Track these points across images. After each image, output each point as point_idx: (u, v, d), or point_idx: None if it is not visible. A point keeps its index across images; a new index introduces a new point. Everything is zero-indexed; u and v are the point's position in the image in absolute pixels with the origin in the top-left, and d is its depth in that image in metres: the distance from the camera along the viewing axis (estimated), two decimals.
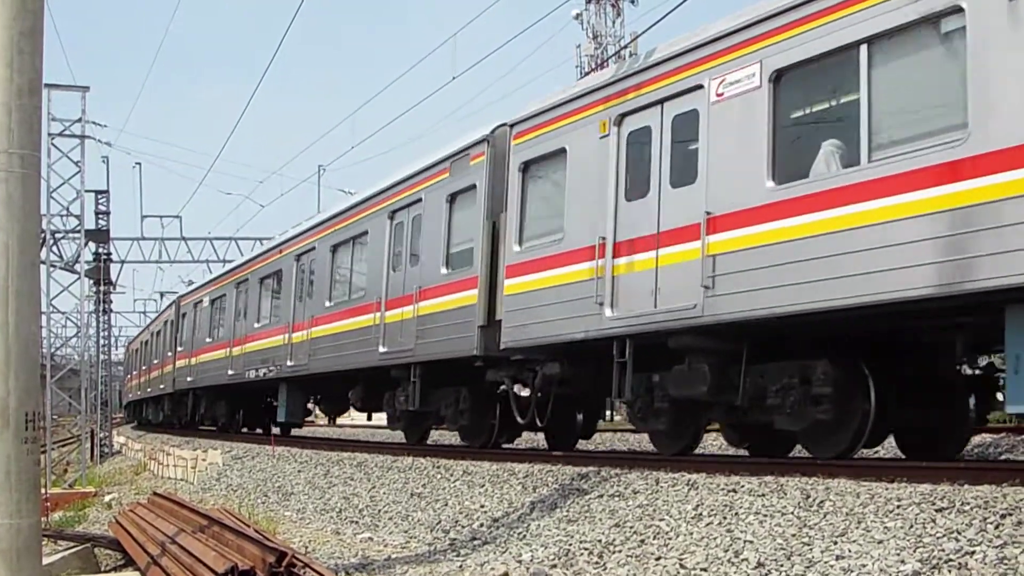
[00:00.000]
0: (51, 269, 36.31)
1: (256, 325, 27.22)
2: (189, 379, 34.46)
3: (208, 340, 32.49)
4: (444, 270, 16.77)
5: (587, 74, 45.81)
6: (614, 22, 56.32)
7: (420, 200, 17.86)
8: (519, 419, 15.84)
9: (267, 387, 27.97)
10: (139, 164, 68.58)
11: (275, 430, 30.55)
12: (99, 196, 44.00)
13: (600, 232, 13.13)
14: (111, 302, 50.91)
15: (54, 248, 37.51)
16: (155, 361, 44.51)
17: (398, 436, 28.99)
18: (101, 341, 49.73)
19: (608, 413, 26.62)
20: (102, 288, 48.11)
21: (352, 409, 24.29)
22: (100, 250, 45.89)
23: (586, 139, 13.72)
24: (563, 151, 14.11)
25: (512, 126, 15.35)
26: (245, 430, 32.71)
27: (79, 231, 36.92)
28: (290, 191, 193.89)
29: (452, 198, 16.88)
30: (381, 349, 18.54)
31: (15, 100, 8.14)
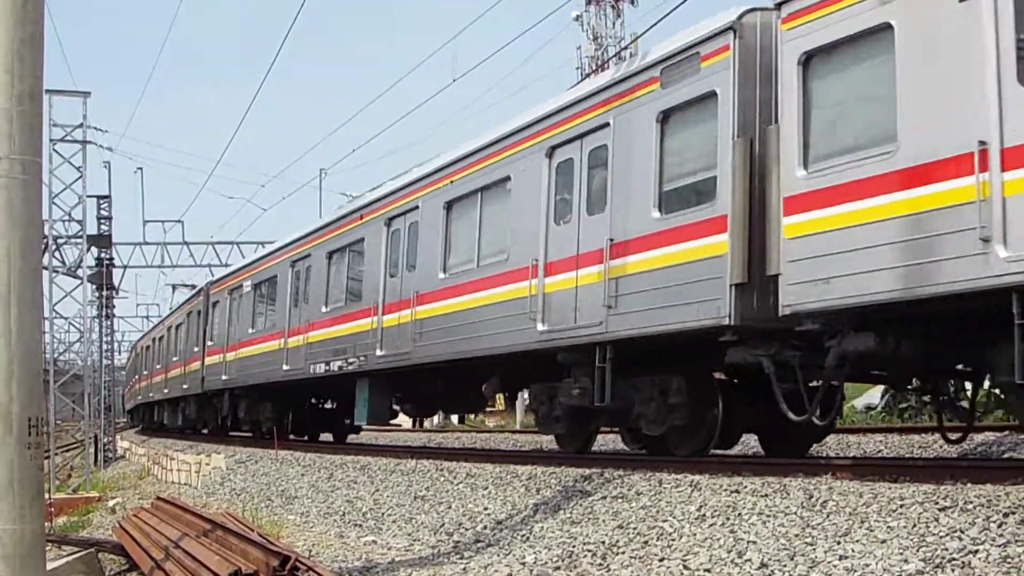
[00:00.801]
0: (53, 274, 36.34)
1: (324, 310, 22.38)
2: (224, 378, 29.66)
3: (251, 331, 27.75)
4: (656, 214, 12.58)
5: (587, 76, 45.78)
6: (614, 23, 56.45)
7: (606, 125, 13.59)
8: (792, 415, 11.34)
9: (334, 385, 24.02)
10: (141, 169, 69.14)
11: (341, 436, 28.57)
12: (101, 201, 43.96)
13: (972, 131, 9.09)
14: (113, 307, 50.81)
15: (56, 253, 37.55)
16: (174, 359, 39.83)
17: (403, 438, 28.96)
18: (104, 346, 49.72)
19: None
20: (104, 293, 48.08)
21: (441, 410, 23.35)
22: (102, 255, 45.84)
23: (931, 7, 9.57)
24: (887, 28, 9.90)
25: (780, 5, 11.09)
26: (292, 437, 27.83)
27: (81, 236, 36.93)
28: (292, 195, 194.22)
29: (665, 116, 12.66)
30: (540, 327, 14.37)
31: (16, 106, 8.15)
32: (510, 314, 14.96)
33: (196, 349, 33.96)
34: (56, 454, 36.09)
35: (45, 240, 32.35)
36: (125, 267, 48.87)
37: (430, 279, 17.45)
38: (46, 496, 11.16)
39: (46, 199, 33.32)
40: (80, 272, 37.55)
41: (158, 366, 45.28)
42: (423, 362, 17.64)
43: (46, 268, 33.15)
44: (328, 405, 28.64)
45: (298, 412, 28.09)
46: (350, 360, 20.36)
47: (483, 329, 15.67)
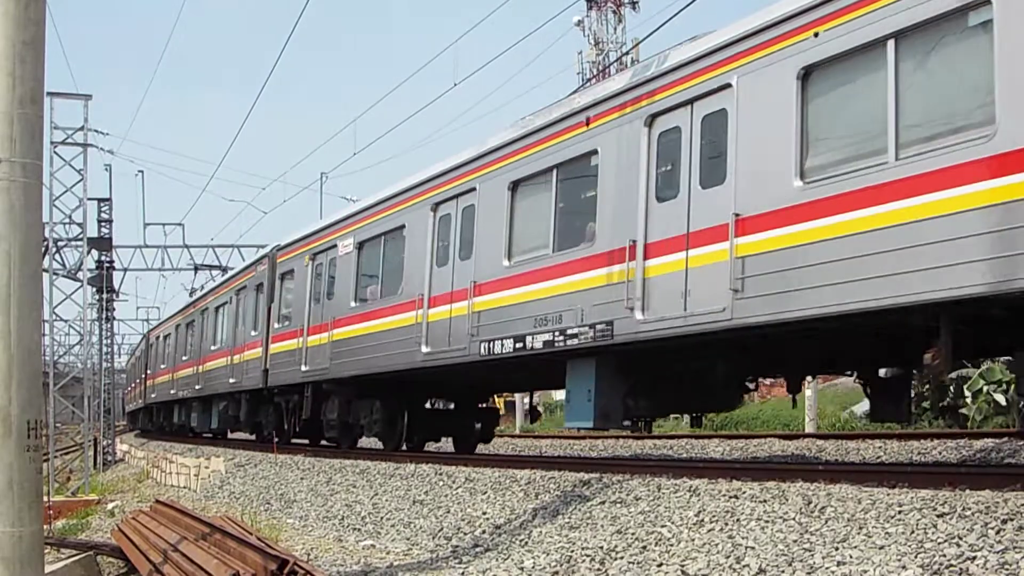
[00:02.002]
0: (54, 277, 36.32)
1: (507, 264, 15.80)
2: (304, 368, 22.64)
3: (355, 305, 20.85)
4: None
5: (588, 81, 45.81)
6: (615, 28, 56.56)
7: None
8: None
9: (489, 373, 17.99)
10: (141, 172, 68.94)
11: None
12: (102, 204, 44.01)
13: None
14: (114, 310, 50.91)
15: (57, 256, 37.52)
16: (212, 348, 32.78)
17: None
18: (104, 349, 49.72)
19: None
20: (105, 296, 48.12)
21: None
22: (103, 258, 45.89)
23: None
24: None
25: None
26: (405, 447, 21.69)
27: (81, 239, 36.91)
28: (292, 198, 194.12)
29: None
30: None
31: (17, 109, 8.17)
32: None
33: (254, 334, 26.77)
34: (55, 457, 36.13)
35: (45, 243, 32.36)
36: (125, 270, 49.00)
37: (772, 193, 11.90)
38: (45, 499, 11.16)
39: (47, 202, 33.32)
40: (80, 275, 37.52)
41: (184, 358, 38.26)
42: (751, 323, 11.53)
43: (46, 271, 33.16)
44: (439, 405, 23.63)
45: (413, 413, 21.66)
46: (569, 331, 14.11)
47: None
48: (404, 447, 21.35)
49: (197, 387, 34.42)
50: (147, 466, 33.98)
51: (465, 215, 17.10)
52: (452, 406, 22.94)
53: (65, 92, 35.19)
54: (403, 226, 18.94)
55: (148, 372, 50.12)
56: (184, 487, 25.10)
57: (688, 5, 14.87)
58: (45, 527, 9.72)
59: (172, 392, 40.35)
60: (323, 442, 24.94)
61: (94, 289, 45.65)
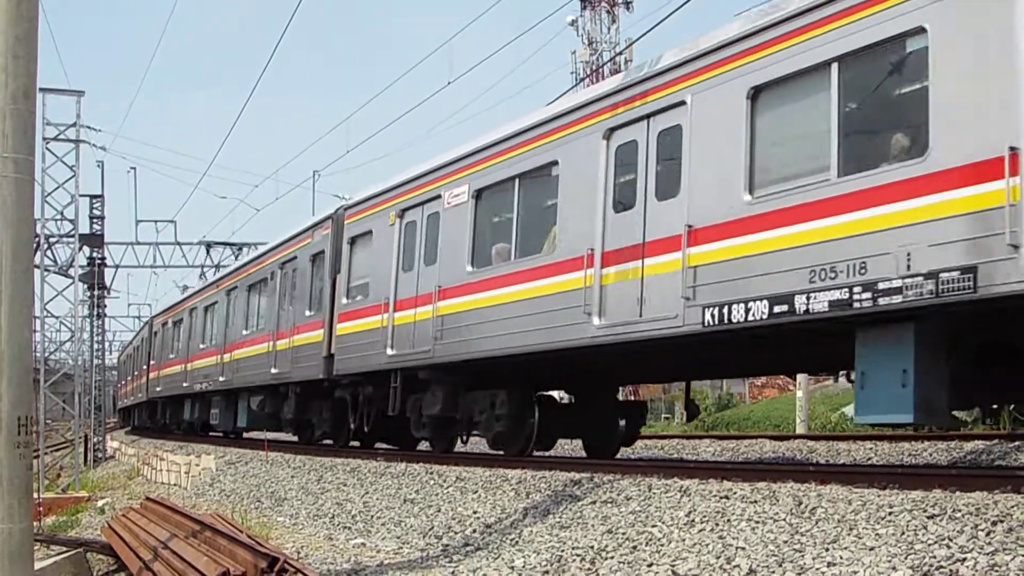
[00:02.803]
0: (45, 273, 36.17)
1: (747, 199, 11.62)
2: (390, 352, 18.31)
3: (471, 271, 16.51)
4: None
5: (582, 80, 45.85)
6: (609, 28, 56.55)
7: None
8: None
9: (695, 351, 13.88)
10: (134, 169, 68.85)
11: None
12: (94, 200, 43.87)
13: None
14: (105, 307, 50.79)
15: (48, 252, 37.42)
16: (245, 333, 28.09)
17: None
18: (95, 346, 49.61)
19: None
20: (96, 293, 48.01)
21: None
22: (94, 255, 45.76)
23: None
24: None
25: None
26: (535, 452, 17.37)
27: (73, 235, 36.81)
28: (285, 195, 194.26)
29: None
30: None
31: (10, 104, 8.15)
32: None
33: (309, 313, 22.63)
34: (46, 453, 36.00)
35: (37, 239, 32.26)
36: (117, 267, 48.81)
37: None
38: (35, 496, 11.14)
39: (38, 198, 33.21)
40: (72, 271, 37.44)
41: (202, 346, 33.59)
42: None
43: (38, 267, 33.05)
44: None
45: (544, 407, 17.17)
46: (882, 285, 9.90)
47: None
48: (531, 450, 16.91)
49: (220, 379, 29.77)
50: (138, 463, 33.95)
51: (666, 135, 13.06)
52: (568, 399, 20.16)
53: (58, 88, 35.07)
54: (554, 162, 14.77)
55: (152, 363, 44.53)
56: (175, 484, 25.08)
57: (682, 5, 14.89)
58: (35, 524, 9.71)
59: (185, 385, 35.44)
60: (379, 444, 22.47)
61: (85, 286, 45.54)
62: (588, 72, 50.80)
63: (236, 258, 44.83)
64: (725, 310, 11.46)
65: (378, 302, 18.88)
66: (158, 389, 41.88)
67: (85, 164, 40.01)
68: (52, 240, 37.30)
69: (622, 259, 13.13)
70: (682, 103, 12.47)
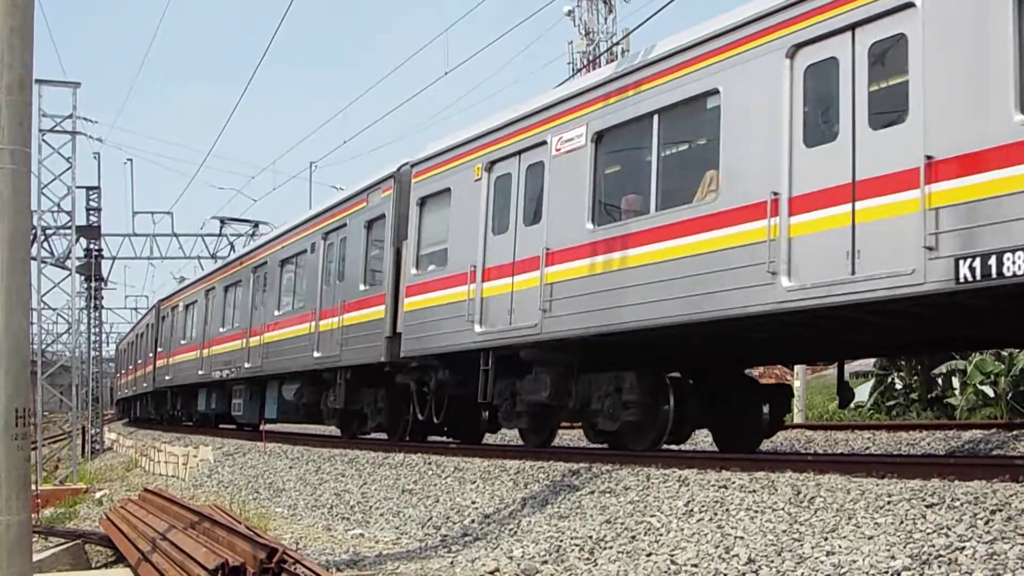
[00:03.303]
0: (42, 265, 36.18)
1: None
2: (480, 329, 15.61)
3: (591, 228, 13.85)
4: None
5: (578, 71, 45.84)
6: (606, 19, 56.41)
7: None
8: None
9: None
10: (130, 160, 68.92)
11: None
12: (90, 192, 43.88)
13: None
14: (102, 298, 50.80)
15: (45, 244, 37.39)
16: (277, 314, 24.72)
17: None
18: (92, 337, 49.60)
19: None
20: (93, 284, 48.00)
21: None
22: (91, 246, 45.76)
23: None
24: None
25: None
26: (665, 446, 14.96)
27: (70, 227, 36.77)
28: (282, 186, 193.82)
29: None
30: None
31: (5, 96, 8.13)
32: None
33: (364, 288, 19.82)
34: (43, 445, 36.03)
35: (33, 231, 32.23)
36: (114, 258, 48.75)
37: None
38: (33, 487, 11.13)
39: (35, 189, 33.20)
40: (68, 263, 37.40)
41: (223, 330, 30.24)
42: None
43: (34, 259, 33.04)
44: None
45: (680, 390, 14.25)
46: None
47: None
48: (662, 444, 14.30)
49: (246, 366, 26.66)
50: (135, 455, 33.96)
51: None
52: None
53: (54, 80, 35.08)
54: (713, 91, 12.34)
55: (159, 350, 40.91)
56: (172, 476, 25.10)
57: None
58: (33, 516, 9.70)
59: (200, 373, 32.08)
60: (433, 438, 20.24)
61: (82, 277, 45.55)
62: (585, 63, 50.73)
63: (252, 236, 42.12)
64: (992, 261, 9.12)
65: (460, 271, 16.15)
66: (167, 378, 38.34)
67: (81, 155, 40.24)
68: (49, 232, 37.25)
69: (825, 202, 10.68)
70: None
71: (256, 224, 40.96)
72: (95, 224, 44.39)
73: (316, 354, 21.35)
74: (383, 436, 20.79)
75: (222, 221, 41.95)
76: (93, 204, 43.98)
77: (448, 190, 16.99)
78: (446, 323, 16.41)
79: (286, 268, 25.02)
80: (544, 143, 14.62)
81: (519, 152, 15.21)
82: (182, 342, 36.14)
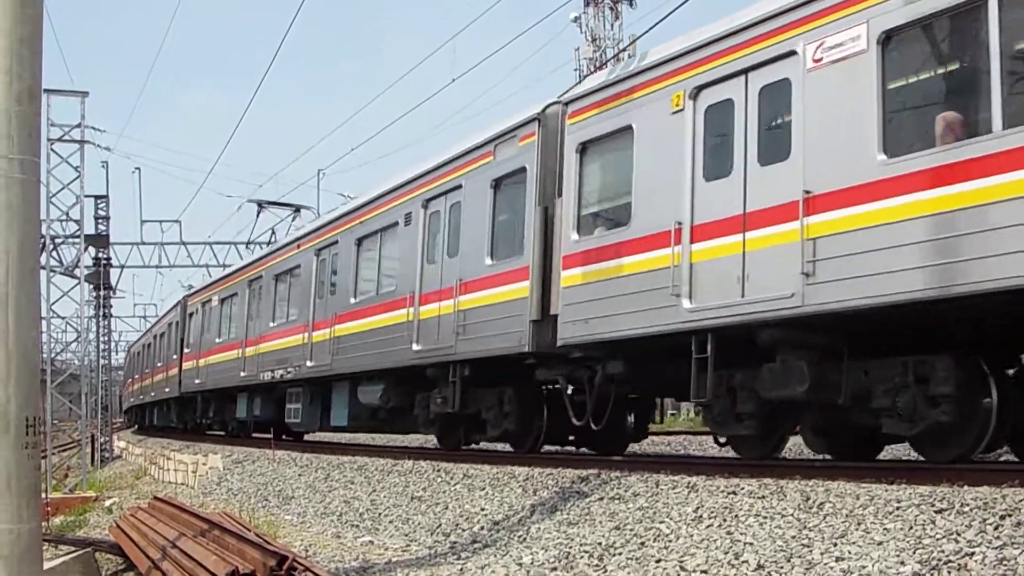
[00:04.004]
0: (51, 274, 36.37)
1: None
2: (690, 305, 12.15)
3: (894, 160, 10.07)
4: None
5: (586, 77, 45.87)
6: (612, 25, 56.42)
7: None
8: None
9: None
10: (138, 169, 69.51)
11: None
12: (99, 201, 44.00)
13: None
14: (111, 307, 50.84)
15: (54, 253, 37.56)
16: (353, 302, 20.95)
17: (401, 440, 28.96)
18: (101, 346, 49.69)
19: None
20: (102, 293, 48.09)
21: None
22: (100, 255, 45.85)
23: None
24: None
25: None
26: None
27: (79, 236, 36.93)
28: (289, 193, 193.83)
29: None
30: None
31: (14, 106, 8.15)
32: None
33: (490, 262, 16.11)
34: (53, 454, 36.17)
35: (43, 240, 32.28)
36: (122, 267, 48.85)
37: None
38: (43, 496, 11.16)
39: (44, 199, 33.27)
40: (77, 272, 37.56)
41: (272, 325, 26.22)
42: None
43: (43, 268, 33.12)
44: None
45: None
46: None
47: None
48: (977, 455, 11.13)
49: (308, 364, 22.70)
50: (145, 463, 33.98)
51: None
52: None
53: (62, 89, 35.27)
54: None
55: (186, 352, 36.45)
56: (182, 484, 25.11)
57: (685, 2, 14.78)
58: (43, 524, 9.72)
59: (243, 375, 27.97)
60: (577, 448, 17.95)
61: (91, 286, 45.61)
62: (592, 69, 50.75)
63: (293, 220, 36.85)
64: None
65: (654, 231, 12.71)
66: (196, 382, 33.76)
67: (90, 165, 40.13)
68: (58, 241, 37.41)
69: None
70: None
71: (297, 208, 36.48)
72: (103, 233, 44.50)
73: (416, 346, 17.53)
74: (499, 447, 17.87)
75: (260, 205, 36.78)
76: (101, 213, 44.11)
77: (629, 129, 13.42)
78: (632, 299, 12.93)
79: (366, 248, 20.94)
80: (791, 54, 11.17)
81: (745, 71, 11.79)
82: (216, 341, 31.76)
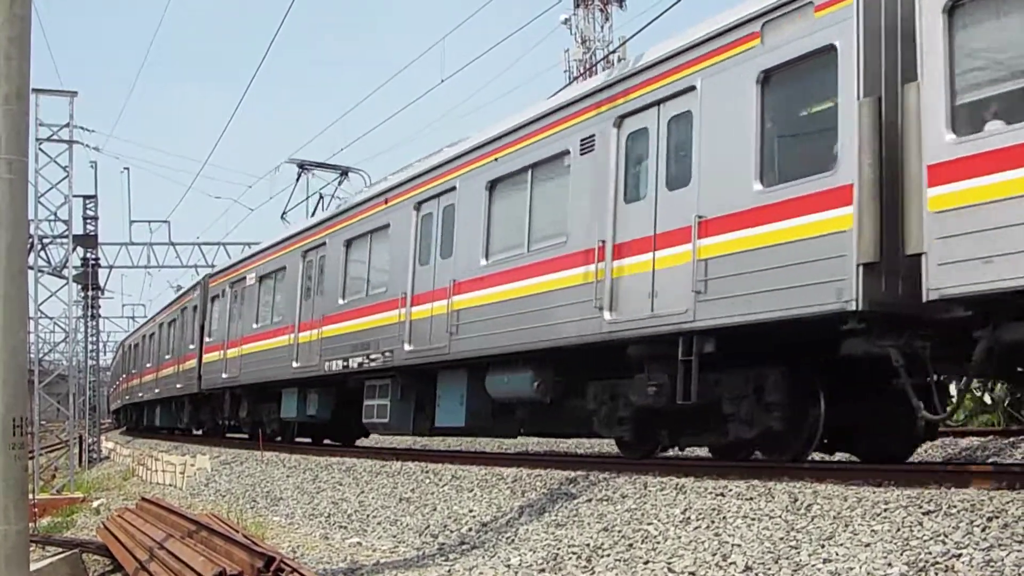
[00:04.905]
0: (39, 274, 36.28)
1: None
2: None
3: None
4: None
5: (574, 80, 45.89)
6: (602, 27, 56.56)
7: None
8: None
9: None
10: (127, 169, 68.91)
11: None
12: (87, 201, 43.84)
13: None
14: (99, 307, 50.66)
15: (42, 253, 37.48)
16: (554, 243, 14.32)
17: (388, 440, 28.90)
18: (89, 346, 49.55)
19: None
20: (90, 293, 47.95)
21: None
22: (88, 255, 45.69)
23: None
24: None
25: None
26: None
27: (67, 236, 36.85)
28: (279, 194, 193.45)
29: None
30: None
31: (3, 105, 8.15)
32: None
33: (761, 188, 11.19)
34: (40, 454, 36.07)
35: (30, 240, 32.15)
36: (111, 267, 48.76)
37: None
38: (30, 497, 11.13)
39: (32, 199, 33.22)
40: (66, 272, 37.48)
41: (343, 301, 20.89)
42: None
43: (31, 268, 33.02)
44: None
45: None
46: None
47: None
48: None
49: (405, 348, 17.70)
50: (132, 464, 33.90)
51: None
52: None
53: (51, 89, 35.20)
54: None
55: (207, 341, 31.19)
56: (170, 485, 25.05)
57: (675, 4, 14.81)
58: (30, 525, 9.71)
59: (294, 366, 22.82)
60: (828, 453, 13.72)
61: (79, 286, 45.47)
62: (581, 71, 50.80)
63: (339, 184, 29.64)
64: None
65: None
66: (223, 376, 28.46)
67: (78, 164, 40.02)
68: (46, 241, 37.33)
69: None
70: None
71: (345, 171, 30.26)
72: (92, 233, 44.36)
73: (610, 315, 12.99)
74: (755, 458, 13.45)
75: (301, 166, 30.16)
76: (90, 213, 43.96)
77: None
78: None
79: (502, 193, 15.91)
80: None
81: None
82: (254, 327, 26.42)
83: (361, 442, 26.18)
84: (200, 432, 35.11)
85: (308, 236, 23.50)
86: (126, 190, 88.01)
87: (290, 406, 24.27)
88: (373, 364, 18.89)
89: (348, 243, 21.06)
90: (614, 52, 50.31)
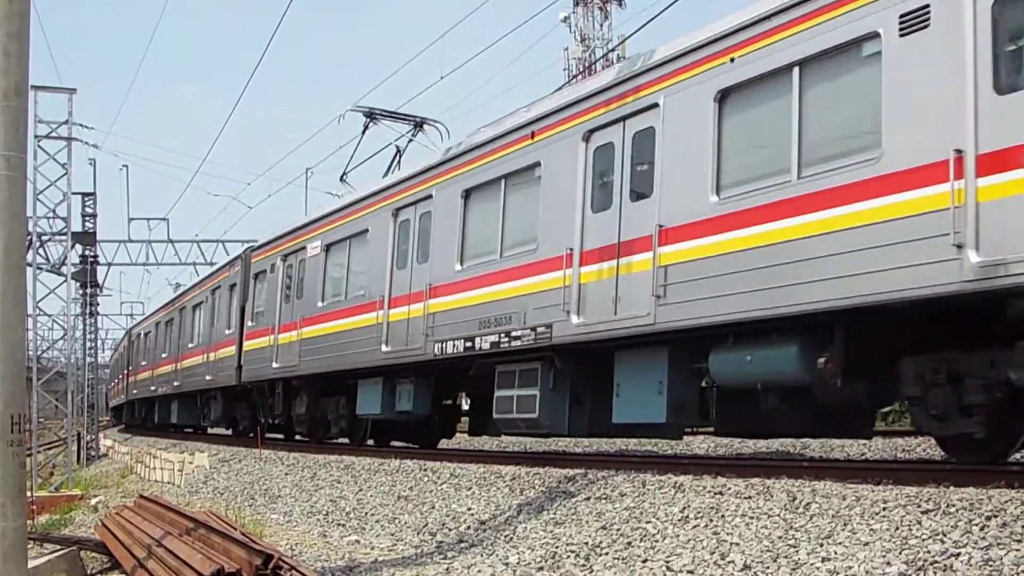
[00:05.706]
0: (37, 272, 36.16)
1: None
2: None
3: None
4: None
5: (574, 78, 45.83)
6: (601, 25, 56.59)
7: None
8: None
9: None
10: (126, 166, 69.01)
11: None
12: (86, 198, 43.80)
13: None
14: (98, 305, 50.66)
15: (40, 250, 37.35)
16: (825, 167, 10.19)
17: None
18: (87, 344, 49.50)
19: None
20: (88, 291, 47.92)
21: None
22: (87, 252, 45.68)
23: None
24: None
25: None
26: None
27: (65, 233, 36.73)
28: (278, 192, 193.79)
29: None
30: None
31: (1, 101, 8.13)
32: None
33: None
34: (38, 452, 35.99)
35: (29, 237, 32.13)
36: (109, 264, 48.68)
37: None
38: (28, 494, 11.13)
39: (30, 196, 33.17)
40: (64, 269, 37.36)
41: (461, 268, 16.49)
42: None
43: (30, 265, 32.99)
44: None
45: None
46: None
47: None
48: None
49: (574, 321, 13.54)
50: (131, 461, 33.90)
51: None
52: None
53: (50, 86, 35.06)
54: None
55: (249, 326, 26.67)
56: (168, 482, 25.06)
57: (673, 2, 14.84)
58: (28, 522, 9.69)
59: (384, 350, 18.48)
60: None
61: (78, 284, 45.41)
62: (581, 68, 50.80)
63: (411, 139, 24.80)
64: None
65: None
66: (275, 366, 23.76)
67: (77, 162, 39.98)
68: (44, 238, 37.21)
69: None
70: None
71: (420, 123, 25.66)
72: (91, 230, 44.30)
73: (977, 257, 8.60)
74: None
75: (370, 115, 24.90)
76: (89, 210, 43.91)
77: None
78: None
79: (740, 108, 11.63)
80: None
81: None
82: (319, 305, 21.92)
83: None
84: (230, 432, 31.25)
85: (404, 190, 18.86)
86: (125, 187, 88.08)
87: (371, 400, 19.76)
88: (518, 344, 14.76)
89: (467, 193, 16.66)
90: (613, 50, 50.29)
